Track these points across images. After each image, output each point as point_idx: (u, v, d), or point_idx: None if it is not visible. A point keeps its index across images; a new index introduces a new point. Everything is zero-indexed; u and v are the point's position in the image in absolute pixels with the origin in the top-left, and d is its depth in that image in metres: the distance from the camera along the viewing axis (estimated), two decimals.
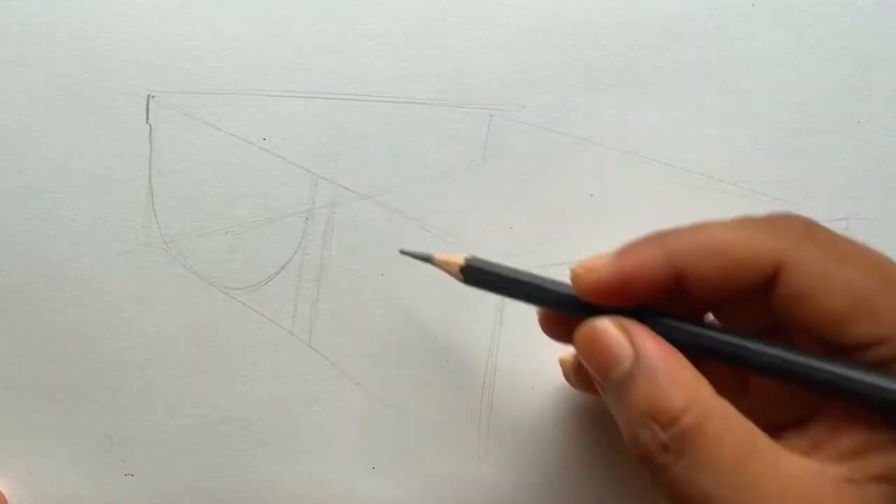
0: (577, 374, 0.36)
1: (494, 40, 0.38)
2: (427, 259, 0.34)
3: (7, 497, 0.37)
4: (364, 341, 0.38)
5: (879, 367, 0.26)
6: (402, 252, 0.35)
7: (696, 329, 0.29)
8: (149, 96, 0.37)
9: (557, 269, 0.38)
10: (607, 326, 0.29)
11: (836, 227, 0.39)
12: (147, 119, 0.37)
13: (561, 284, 0.31)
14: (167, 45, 0.36)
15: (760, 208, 0.39)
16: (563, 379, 0.37)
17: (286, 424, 0.38)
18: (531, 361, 0.38)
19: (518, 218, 0.38)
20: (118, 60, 0.36)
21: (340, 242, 0.38)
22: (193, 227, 0.37)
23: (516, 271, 0.32)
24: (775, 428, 0.28)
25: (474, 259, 0.32)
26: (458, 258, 0.33)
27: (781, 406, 0.29)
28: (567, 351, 0.36)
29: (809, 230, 0.28)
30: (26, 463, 0.38)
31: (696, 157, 0.38)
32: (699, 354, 0.28)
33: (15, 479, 0.38)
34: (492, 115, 0.38)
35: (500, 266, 0.32)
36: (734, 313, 0.31)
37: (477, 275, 0.32)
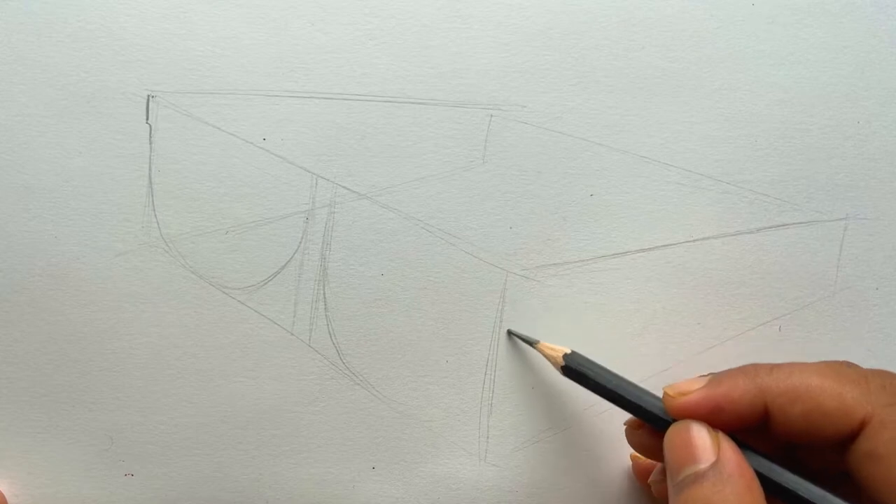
0: (646, 473, 0.37)
1: (494, 40, 0.38)
2: (532, 344, 0.37)
3: (7, 497, 0.37)
4: (364, 341, 0.38)
5: None
6: (510, 332, 0.38)
7: (771, 465, 0.30)
8: (149, 96, 0.37)
9: (557, 269, 0.38)
10: (700, 429, 0.30)
11: (835, 227, 0.39)
12: (147, 119, 0.37)
13: (653, 400, 0.33)
14: (167, 45, 0.36)
15: (760, 208, 0.39)
16: (562, 379, 0.37)
17: (286, 424, 0.38)
18: (531, 361, 0.38)
19: (518, 218, 0.38)
20: (118, 60, 0.36)
21: (340, 242, 0.38)
22: (193, 227, 0.37)
23: (612, 378, 0.34)
24: None
25: (575, 355, 0.35)
26: (562, 350, 0.35)
27: None
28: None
29: None
30: (26, 463, 0.38)
31: (696, 157, 0.39)
32: (771, 491, 0.30)
33: (15, 479, 0.38)
34: (492, 115, 0.38)
35: (597, 369, 0.34)
36: (814, 454, 0.32)
37: (574, 371, 0.34)
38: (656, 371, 0.39)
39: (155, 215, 0.37)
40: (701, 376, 0.32)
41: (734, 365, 0.39)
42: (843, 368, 0.30)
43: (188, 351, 0.38)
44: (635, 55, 0.38)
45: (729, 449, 0.30)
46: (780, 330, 0.39)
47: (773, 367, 0.31)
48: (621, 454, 0.39)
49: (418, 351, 0.38)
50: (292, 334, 0.38)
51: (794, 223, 0.39)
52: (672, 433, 0.31)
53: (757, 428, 0.30)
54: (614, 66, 0.38)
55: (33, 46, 0.36)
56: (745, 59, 0.38)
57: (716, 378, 0.31)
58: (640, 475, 0.38)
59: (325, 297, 0.38)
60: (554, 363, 0.35)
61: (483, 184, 0.38)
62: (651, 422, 0.32)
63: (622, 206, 0.38)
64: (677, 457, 0.31)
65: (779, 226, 0.39)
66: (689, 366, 0.38)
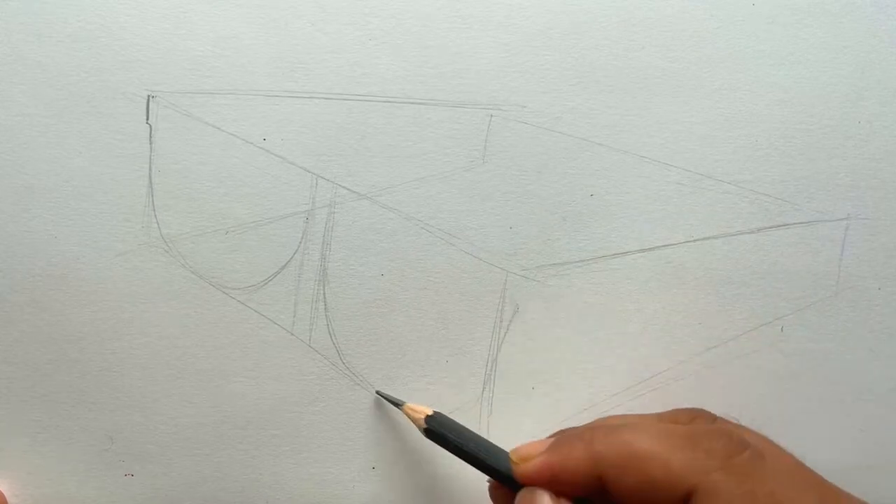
0: None
1: (494, 40, 0.38)
2: (397, 405, 0.37)
3: (7, 497, 0.37)
4: (364, 341, 0.38)
5: None
6: (378, 393, 0.38)
7: None
8: (149, 96, 0.37)
9: (557, 269, 0.38)
10: (543, 497, 0.30)
11: (837, 227, 0.39)
12: (147, 119, 0.37)
13: (507, 464, 0.32)
14: (167, 45, 0.36)
15: (761, 208, 0.39)
16: (562, 379, 0.37)
17: (286, 424, 0.38)
18: (531, 361, 0.38)
19: (518, 218, 0.38)
20: (118, 60, 0.36)
21: (340, 242, 0.38)
22: (193, 227, 0.37)
23: (471, 440, 0.34)
24: None
25: (438, 416, 0.35)
26: (425, 411, 0.35)
27: None
28: None
29: (731, 454, 0.29)
30: (26, 463, 0.38)
31: (696, 157, 0.38)
32: None
33: (15, 479, 0.38)
34: (492, 115, 0.38)
35: (457, 431, 0.34)
36: None
37: (435, 432, 0.35)
38: (656, 371, 0.39)
39: (155, 215, 0.37)
40: (551, 436, 0.32)
41: (734, 365, 0.39)
42: (675, 430, 0.30)
43: (188, 351, 0.38)
44: (635, 55, 0.38)
45: None
46: (781, 330, 0.39)
47: (610, 432, 0.30)
48: None
49: (418, 351, 0.38)
50: (292, 334, 0.38)
51: (795, 223, 0.39)
52: (518, 501, 0.32)
53: (603, 493, 0.30)
54: (614, 66, 0.38)
55: (33, 46, 0.36)
56: (745, 59, 0.38)
57: (556, 443, 0.31)
58: None
59: (325, 297, 0.38)
60: (417, 425, 0.35)
61: (483, 184, 0.38)
62: (507, 485, 0.32)
63: (622, 206, 0.38)
64: None
65: (780, 226, 0.39)
66: (689, 366, 0.38)
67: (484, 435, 0.38)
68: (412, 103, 0.38)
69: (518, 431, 0.39)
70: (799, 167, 0.39)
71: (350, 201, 0.38)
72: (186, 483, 0.38)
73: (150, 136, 0.37)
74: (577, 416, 0.39)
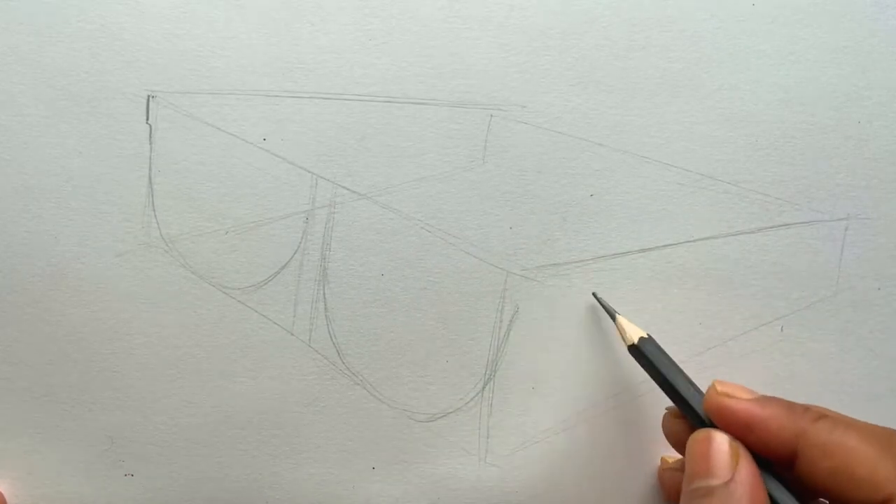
0: (669, 477, 0.37)
1: (494, 40, 0.38)
2: (612, 315, 0.37)
3: (7, 497, 0.37)
4: (364, 341, 0.38)
5: None
6: (595, 295, 0.38)
7: (788, 499, 0.30)
8: (149, 96, 0.37)
9: (557, 269, 0.38)
10: (723, 440, 0.30)
11: (836, 227, 0.39)
12: (147, 119, 0.37)
13: (696, 394, 0.33)
14: (167, 45, 0.36)
15: (761, 208, 0.39)
16: (562, 380, 0.37)
17: (286, 424, 0.38)
18: (531, 361, 0.38)
19: (518, 218, 0.38)
20: (118, 60, 0.36)
21: (340, 242, 0.38)
22: (193, 227, 0.37)
23: (670, 368, 0.34)
24: None
25: (650, 341, 0.35)
26: (638, 333, 0.35)
27: None
28: (672, 452, 0.37)
29: None
30: (26, 463, 0.38)
31: (696, 157, 0.38)
32: None
33: (15, 479, 0.38)
34: (492, 115, 0.38)
35: (662, 359, 0.34)
36: None
37: (641, 354, 0.35)
38: None
39: (155, 215, 0.37)
40: (755, 393, 0.32)
41: (734, 366, 0.39)
42: (892, 439, 0.30)
43: (188, 351, 0.38)
44: (635, 55, 0.38)
45: (746, 471, 0.29)
46: (781, 330, 0.39)
47: (821, 416, 0.30)
48: (621, 455, 0.39)
49: (418, 351, 0.38)
50: (292, 334, 0.38)
51: (795, 223, 0.39)
52: (695, 440, 0.31)
53: (786, 463, 0.30)
54: (614, 66, 0.38)
55: (33, 46, 0.36)
56: (745, 59, 0.38)
57: (764, 400, 0.31)
58: (662, 477, 0.38)
59: (325, 297, 0.38)
60: (626, 340, 0.36)
61: (483, 184, 0.38)
62: (691, 419, 0.33)
63: (622, 206, 0.38)
64: (695, 464, 0.31)
65: (780, 226, 0.39)
66: (689, 366, 0.38)
67: (484, 435, 0.38)
68: (412, 103, 0.38)
69: (518, 431, 0.39)
70: (799, 167, 0.39)
71: (350, 201, 0.38)
72: (186, 483, 0.38)
73: (150, 136, 0.37)
74: (576, 416, 0.39)
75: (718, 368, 0.39)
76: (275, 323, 0.38)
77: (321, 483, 0.38)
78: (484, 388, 0.38)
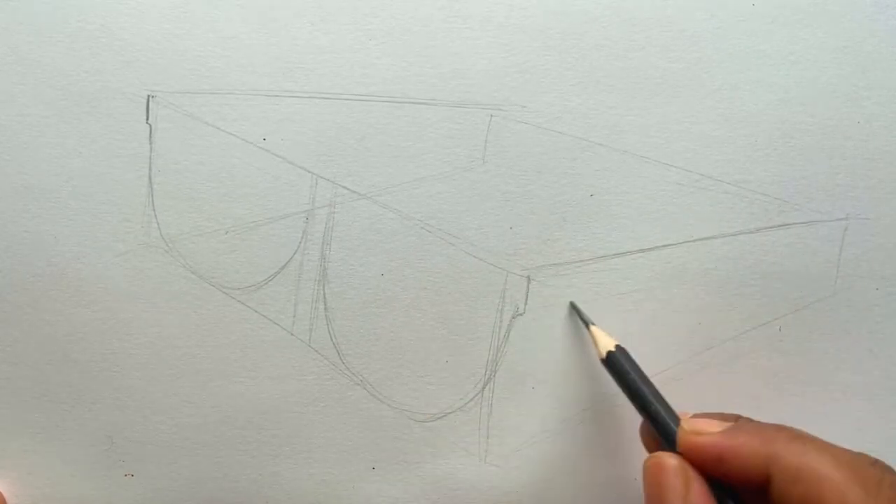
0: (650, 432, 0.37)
1: (494, 40, 0.38)
2: (586, 323, 0.37)
3: (7, 497, 0.37)
4: (364, 341, 0.38)
5: None
6: (572, 305, 0.38)
7: None
8: (149, 96, 0.37)
9: (557, 269, 0.38)
10: (673, 465, 0.31)
11: (835, 227, 0.39)
12: (147, 119, 0.37)
13: (669, 420, 0.33)
14: (167, 45, 0.36)
15: (760, 208, 0.39)
16: (562, 380, 0.38)
17: (286, 424, 0.38)
18: (531, 361, 0.38)
19: (518, 218, 0.38)
20: (118, 60, 0.36)
21: (340, 242, 0.38)
22: (193, 227, 0.37)
23: (644, 384, 0.34)
24: None
25: (620, 351, 0.35)
26: (611, 342, 0.36)
27: None
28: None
29: None
30: (26, 463, 0.38)
31: (696, 157, 0.38)
32: None
33: (15, 479, 0.38)
34: (492, 115, 0.38)
35: (634, 371, 0.35)
36: None
37: (613, 364, 0.35)
38: (656, 371, 0.39)
39: (155, 215, 0.37)
40: (725, 419, 0.32)
41: (733, 365, 0.39)
42: (864, 465, 0.30)
43: (188, 351, 0.38)
44: (635, 55, 0.38)
45: (696, 496, 0.30)
46: (780, 330, 0.39)
47: (794, 439, 0.30)
48: (620, 455, 0.39)
49: (418, 351, 0.38)
50: (292, 334, 0.38)
51: (794, 223, 0.39)
52: (646, 465, 0.32)
53: (762, 486, 0.30)
54: (614, 66, 0.38)
55: (33, 46, 0.36)
56: (745, 59, 0.38)
57: (733, 429, 0.31)
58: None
59: (325, 297, 0.38)
60: (599, 352, 0.36)
61: (483, 184, 0.38)
62: (664, 440, 0.33)
63: (622, 206, 0.38)
64: (649, 489, 0.32)
65: (779, 226, 0.39)
66: (689, 366, 0.38)
67: (484, 435, 0.38)
68: (412, 103, 0.38)
69: (518, 431, 0.39)
70: (799, 167, 0.39)
71: (350, 201, 0.38)
72: (186, 483, 0.38)
73: (150, 136, 0.37)
74: (576, 416, 0.39)
75: (717, 368, 0.39)
76: (275, 323, 0.38)
77: (321, 483, 0.38)
78: (484, 388, 0.38)
